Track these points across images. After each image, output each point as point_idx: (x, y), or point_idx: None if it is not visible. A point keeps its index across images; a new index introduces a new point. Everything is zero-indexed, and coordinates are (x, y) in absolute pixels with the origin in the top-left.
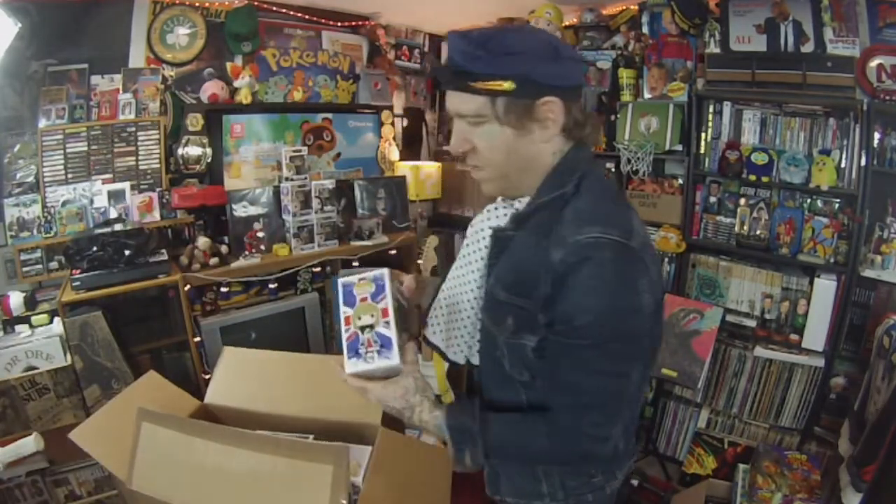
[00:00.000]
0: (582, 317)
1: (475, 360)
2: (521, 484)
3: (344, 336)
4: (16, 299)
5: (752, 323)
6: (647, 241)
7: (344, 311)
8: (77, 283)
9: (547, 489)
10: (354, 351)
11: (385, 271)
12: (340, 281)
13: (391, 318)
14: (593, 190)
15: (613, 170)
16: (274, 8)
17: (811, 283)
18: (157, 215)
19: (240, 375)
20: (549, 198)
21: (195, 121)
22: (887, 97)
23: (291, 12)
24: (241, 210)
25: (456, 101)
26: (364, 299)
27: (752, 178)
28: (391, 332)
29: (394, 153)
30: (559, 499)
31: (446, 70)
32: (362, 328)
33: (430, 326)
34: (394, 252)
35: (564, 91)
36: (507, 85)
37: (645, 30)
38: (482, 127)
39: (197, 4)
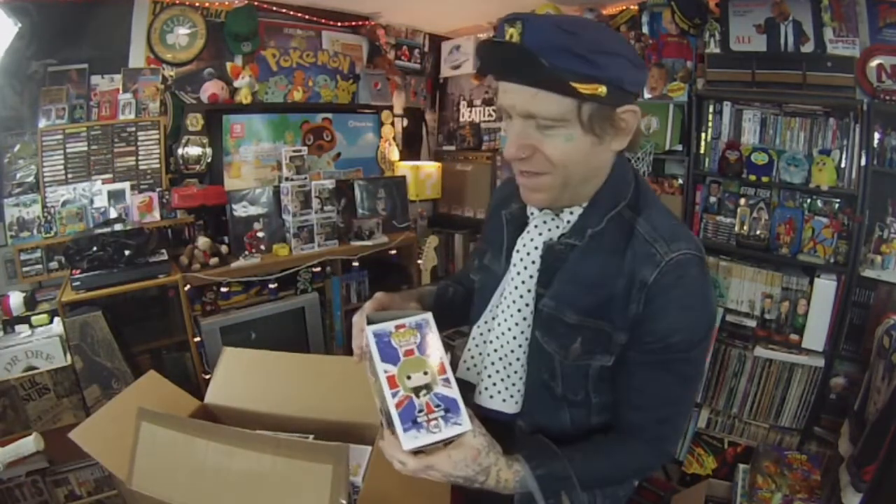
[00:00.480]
0: (678, 333)
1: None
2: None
3: (391, 402)
4: (16, 299)
5: (752, 323)
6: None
7: (385, 369)
8: (77, 283)
9: (587, 498)
10: (412, 421)
11: (428, 315)
12: (372, 329)
13: (450, 373)
14: (654, 201)
15: None
16: (274, 8)
17: (811, 283)
18: (157, 215)
19: (240, 375)
20: (617, 210)
21: (195, 121)
22: (887, 97)
23: (291, 12)
24: (241, 210)
25: (531, 99)
26: (410, 352)
27: (752, 178)
28: (454, 392)
29: (394, 153)
30: (605, 498)
31: (534, 64)
32: (416, 390)
33: (477, 387)
34: (394, 252)
35: (637, 101)
36: (602, 90)
37: (645, 30)
38: (557, 131)
39: (197, 4)
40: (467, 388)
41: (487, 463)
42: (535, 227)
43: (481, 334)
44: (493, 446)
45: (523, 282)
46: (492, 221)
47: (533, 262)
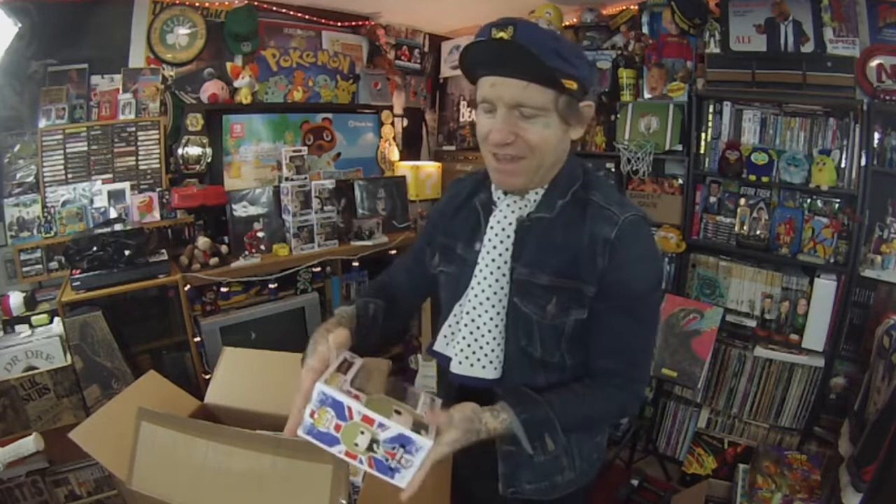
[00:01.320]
0: (638, 281)
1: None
2: (542, 466)
3: (365, 467)
4: (16, 299)
5: (752, 323)
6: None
7: (337, 451)
8: (77, 283)
9: (567, 462)
10: (389, 469)
11: (321, 387)
12: (302, 431)
13: (375, 417)
14: (603, 181)
15: (613, 170)
16: (274, 8)
17: (811, 283)
18: (157, 215)
19: (240, 375)
20: (574, 188)
21: (195, 121)
22: (887, 97)
23: (291, 12)
24: (241, 210)
25: (522, 91)
26: (338, 427)
27: (752, 178)
28: (393, 429)
29: (394, 153)
30: (576, 466)
31: (532, 60)
32: (369, 448)
33: (456, 356)
34: (394, 252)
35: (594, 95)
36: (574, 85)
37: (645, 30)
38: (538, 119)
39: (197, 4)
40: (446, 361)
41: (480, 424)
42: (507, 206)
43: (461, 308)
44: (475, 409)
45: (500, 254)
46: (455, 217)
47: (508, 237)
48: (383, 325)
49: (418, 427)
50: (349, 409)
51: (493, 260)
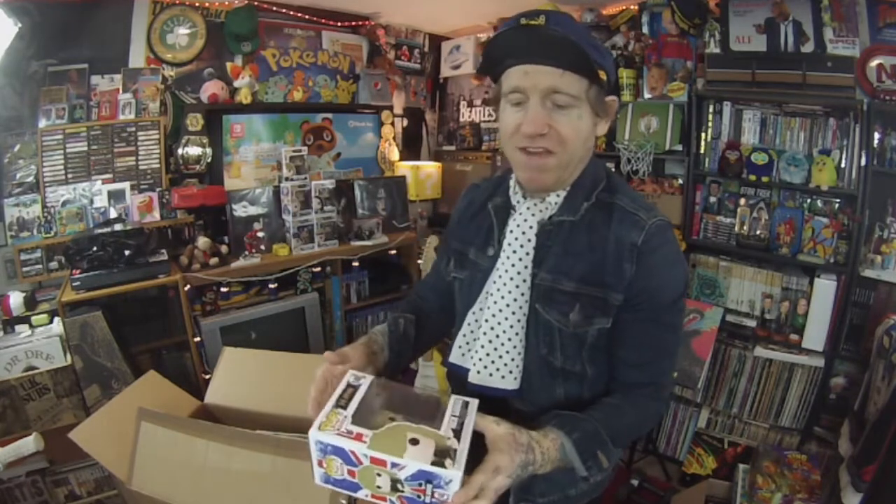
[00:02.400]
0: (667, 288)
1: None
2: (558, 478)
3: None
4: (16, 299)
5: (752, 323)
6: None
7: (364, 494)
8: (77, 283)
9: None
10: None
11: (311, 433)
12: (318, 481)
13: (387, 458)
14: (626, 185)
15: (613, 170)
16: (274, 8)
17: (811, 283)
18: (157, 215)
19: (240, 375)
20: (601, 188)
21: (195, 121)
22: (887, 97)
23: (291, 12)
24: (241, 210)
25: (559, 78)
26: (351, 473)
27: (752, 178)
28: (412, 465)
29: (394, 153)
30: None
31: (569, 47)
32: (393, 489)
33: (474, 366)
34: (394, 252)
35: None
36: (605, 75)
37: (645, 30)
38: (571, 110)
39: (197, 4)
40: (464, 372)
41: (525, 440)
42: (527, 209)
43: (476, 320)
44: (516, 427)
45: (520, 259)
46: (471, 223)
47: (529, 241)
48: (416, 339)
49: (442, 454)
50: (353, 453)
51: (514, 265)
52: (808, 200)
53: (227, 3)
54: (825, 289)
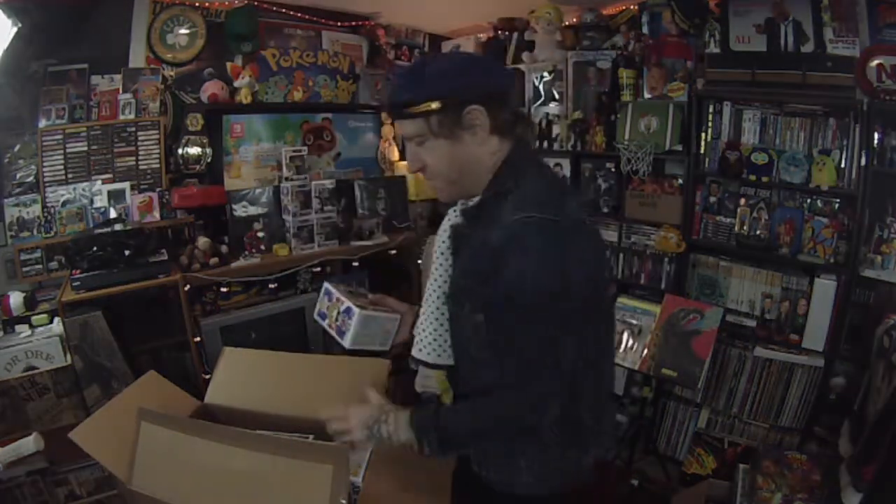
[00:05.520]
0: (515, 286)
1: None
2: (501, 461)
3: (335, 335)
4: (16, 299)
5: (752, 323)
6: (579, 220)
7: (325, 324)
8: (77, 283)
9: (525, 463)
10: (341, 333)
11: (325, 284)
12: (315, 315)
13: (345, 299)
14: (535, 181)
15: (613, 170)
16: (274, 8)
17: (811, 283)
18: (157, 215)
19: (240, 375)
20: (493, 192)
21: (195, 121)
22: (887, 97)
23: (291, 12)
24: (241, 210)
25: (402, 127)
26: (328, 308)
27: (752, 178)
28: (346, 303)
29: (394, 153)
30: (536, 471)
31: (389, 105)
32: (336, 320)
33: (416, 342)
34: (394, 252)
35: (486, 99)
36: (435, 105)
37: (645, 30)
38: (425, 144)
39: (197, 4)
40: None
41: (387, 408)
42: (450, 215)
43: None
44: (388, 402)
45: (442, 253)
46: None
47: (443, 242)
48: None
49: (363, 307)
50: (334, 295)
51: (441, 264)
52: (808, 200)
53: (227, 3)
54: (825, 289)
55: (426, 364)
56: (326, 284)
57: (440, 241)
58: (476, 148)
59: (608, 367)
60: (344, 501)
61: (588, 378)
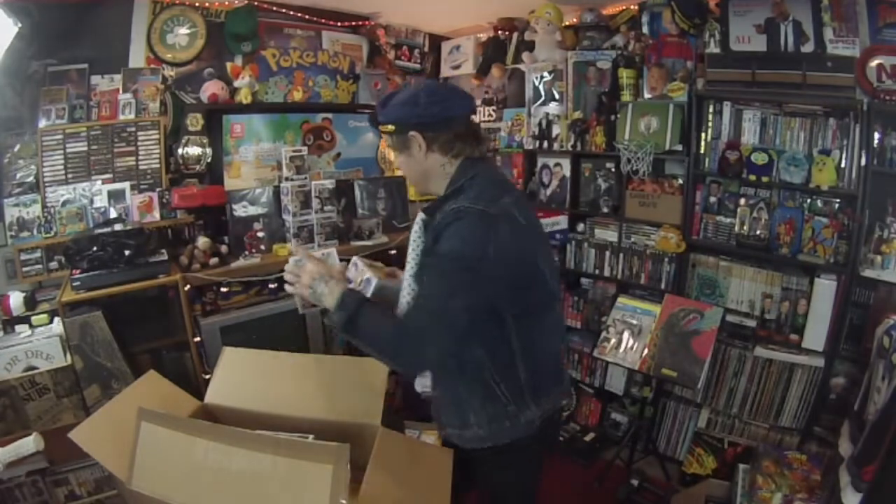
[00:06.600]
0: (441, 250)
1: None
2: (455, 415)
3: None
4: (16, 299)
5: (752, 323)
6: (510, 213)
7: (353, 285)
8: (77, 283)
9: (474, 419)
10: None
11: (353, 258)
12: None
13: (367, 270)
14: (481, 182)
15: (613, 170)
16: (274, 8)
17: (811, 283)
18: (157, 215)
19: (240, 375)
20: (449, 191)
21: (195, 121)
22: (887, 97)
23: (291, 12)
24: (241, 210)
25: (386, 139)
26: (354, 276)
27: (752, 178)
28: (368, 273)
29: (393, 153)
30: (483, 424)
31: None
32: (359, 284)
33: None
34: (394, 252)
35: (423, 127)
36: (391, 128)
37: (645, 30)
38: (395, 153)
39: (197, 4)
40: None
41: (332, 274)
42: (419, 212)
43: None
44: (337, 276)
45: (413, 241)
46: None
47: (414, 232)
48: None
49: (380, 278)
50: (360, 266)
51: (412, 251)
52: (808, 200)
53: (227, 3)
54: (825, 289)
55: None
56: (355, 258)
57: (412, 233)
58: (423, 160)
59: (551, 339)
60: (344, 501)
61: (525, 343)
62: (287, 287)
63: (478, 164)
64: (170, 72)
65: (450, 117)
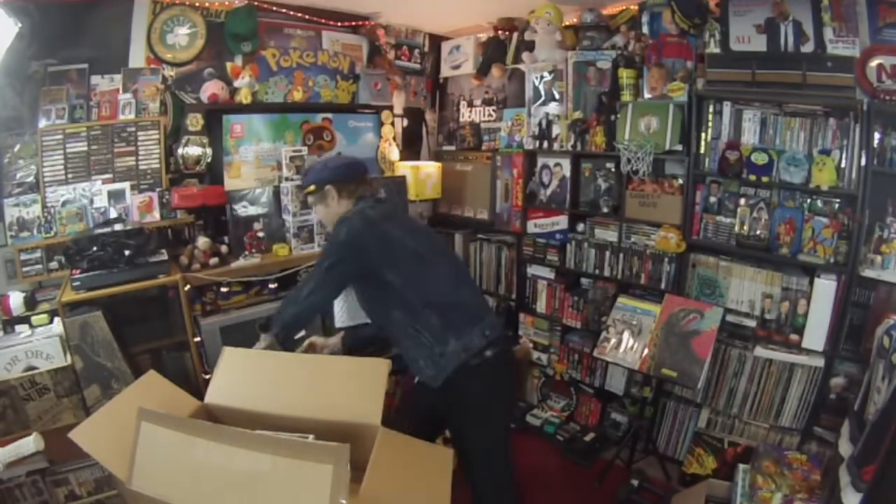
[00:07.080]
0: (329, 240)
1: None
2: (412, 363)
3: None
4: (16, 299)
5: (752, 323)
6: (387, 218)
7: None
8: (77, 283)
9: (423, 363)
10: None
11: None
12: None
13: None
14: (369, 204)
15: (613, 169)
16: (274, 8)
17: (811, 283)
18: (157, 215)
19: (240, 375)
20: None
21: (195, 121)
22: (887, 97)
23: (291, 12)
24: (241, 210)
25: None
26: None
27: (752, 178)
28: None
29: (394, 153)
30: (429, 365)
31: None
32: None
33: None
34: None
35: (333, 182)
36: (312, 188)
37: (645, 30)
38: (316, 207)
39: (197, 4)
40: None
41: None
42: None
43: None
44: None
45: None
46: None
47: None
48: None
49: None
50: None
51: None
52: (808, 200)
53: (227, 3)
54: (825, 289)
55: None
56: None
57: None
58: (336, 207)
59: (450, 289)
60: (344, 501)
61: (420, 296)
62: None
63: (369, 196)
64: (170, 72)
65: (352, 177)
